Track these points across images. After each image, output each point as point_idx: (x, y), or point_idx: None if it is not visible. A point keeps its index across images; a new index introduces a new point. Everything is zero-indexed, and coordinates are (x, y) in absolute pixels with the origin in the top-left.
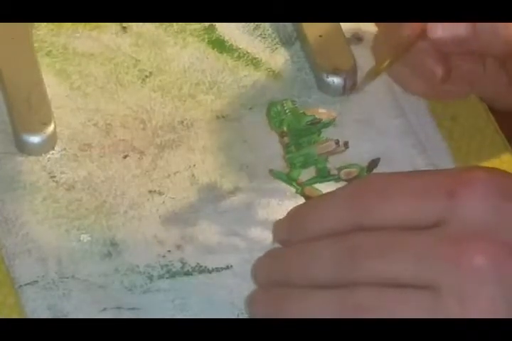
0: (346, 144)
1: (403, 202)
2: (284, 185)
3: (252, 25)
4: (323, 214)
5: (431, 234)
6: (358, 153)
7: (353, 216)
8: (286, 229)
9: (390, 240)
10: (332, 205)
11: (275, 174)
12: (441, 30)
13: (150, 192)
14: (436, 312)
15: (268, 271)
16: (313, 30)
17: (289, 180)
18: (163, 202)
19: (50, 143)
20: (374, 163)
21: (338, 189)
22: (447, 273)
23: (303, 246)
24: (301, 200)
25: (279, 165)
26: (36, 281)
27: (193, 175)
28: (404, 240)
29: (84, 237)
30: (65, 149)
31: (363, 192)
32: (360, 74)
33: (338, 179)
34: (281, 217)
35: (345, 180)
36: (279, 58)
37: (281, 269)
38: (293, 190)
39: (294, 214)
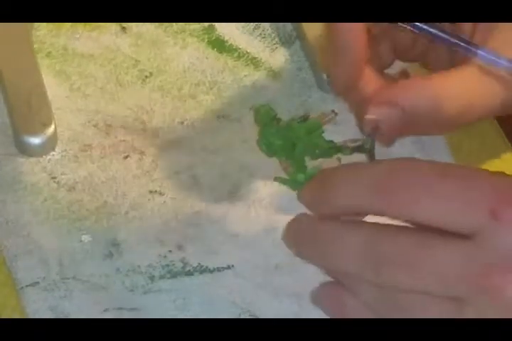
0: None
1: (438, 206)
2: (284, 185)
3: (251, 25)
4: (349, 193)
5: (463, 250)
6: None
7: (378, 205)
8: (308, 195)
9: (419, 251)
10: (358, 186)
11: (281, 180)
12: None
13: (151, 192)
14: None
15: (295, 242)
16: (313, 29)
17: (296, 184)
18: (164, 202)
19: (50, 144)
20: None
21: (367, 166)
22: (475, 295)
23: (328, 230)
24: None
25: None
26: (38, 282)
27: (193, 176)
28: (434, 253)
29: (86, 238)
30: (65, 150)
31: (393, 181)
32: None
33: (346, 149)
34: (281, 217)
35: (352, 149)
36: (278, 58)
37: (307, 246)
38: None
39: (320, 181)
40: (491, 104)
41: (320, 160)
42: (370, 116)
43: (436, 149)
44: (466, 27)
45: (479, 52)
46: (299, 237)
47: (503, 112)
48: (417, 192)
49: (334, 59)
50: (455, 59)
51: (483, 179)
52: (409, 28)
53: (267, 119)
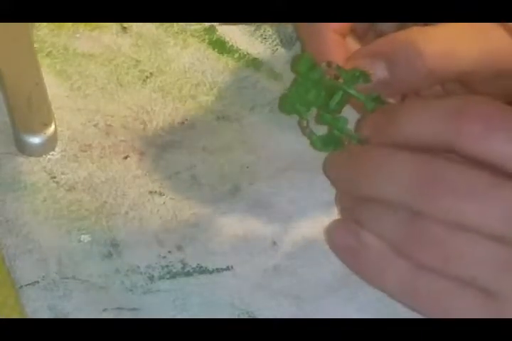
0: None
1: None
2: (284, 186)
3: (252, 26)
4: (419, 121)
5: None
6: None
7: (450, 135)
8: (371, 126)
9: (488, 186)
10: (430, 115)
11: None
12: None
13: (150, 192)
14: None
15: (338, 169)
16: None
17: (317, 142)
18: (164, 202)
19: (50, 143)
20: None
21: (438, 98)
22: None
23: (382, 152)
24: (301, 201)
25: (280, 165)
26: (37, 282)
27: (193, 176)
28: (504, 191)
29: (85, 238)
30: (65, 150)
31: (469, 115)
32: None
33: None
34: (281, 218)
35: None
36: (279, 59)
37: (351, 170)
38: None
39: (383, 112)
40: (475, 53)
41: None
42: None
43: None
44: None
45: None
46: (346, 161)
47: (491, 68)
48: (492, 124)
49: None
50: None
51: None
52: None
53: (305, 67)
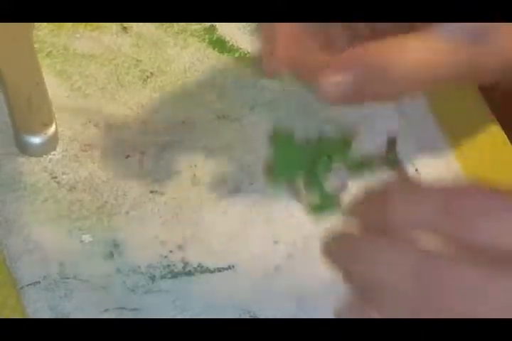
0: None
1: (501, 233)
2: None
3: (252, 25)
4: (405, 213)
5: None
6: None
7: (437, 226)
8: (359, 213)
9: (485, 281)
10: (425, 203)
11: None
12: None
13: (151, 192)
14: None
15: (333, 258)
16: None
17: (314, 208)
18: (165, 202)
19: (51, 143)
20: (392, 140)
21: (427, 189)
22: None
23: (374, 246)
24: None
25: None
26: (38, 282)
27: (194, 175)
28: (504, 282)
29: (86, 238)
30: (66, 150)
31: (459, 204)
32: None
33: (376, 161)
34: (282, 218)
35: (381, 161)
36: None
37: (345, 262)
38: None
39: (371, 199)
40: (451, 63)
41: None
42: (323, 87)
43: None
44: None
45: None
46: (341, 254)
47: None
48: (480, 214)
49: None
50: None
51: None
52: None
53: (283, 139)
